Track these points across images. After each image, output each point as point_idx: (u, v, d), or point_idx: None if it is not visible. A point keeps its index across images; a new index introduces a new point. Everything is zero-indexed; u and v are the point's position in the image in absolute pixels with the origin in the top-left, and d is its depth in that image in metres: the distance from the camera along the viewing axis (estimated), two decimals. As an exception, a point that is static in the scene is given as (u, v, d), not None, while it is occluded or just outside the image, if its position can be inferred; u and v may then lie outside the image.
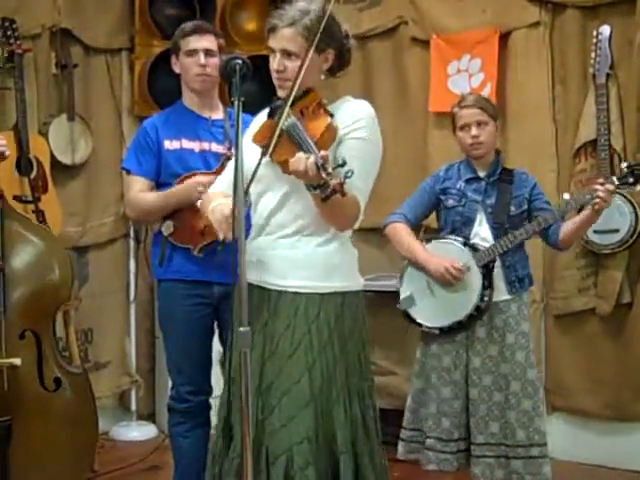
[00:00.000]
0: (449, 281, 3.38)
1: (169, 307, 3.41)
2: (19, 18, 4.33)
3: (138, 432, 4.91)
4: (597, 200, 3.20)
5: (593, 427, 4.38)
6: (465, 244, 3.42)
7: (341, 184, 2.25)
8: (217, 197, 2.67)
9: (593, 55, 4.11)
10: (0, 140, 3.24)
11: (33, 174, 4.26)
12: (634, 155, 4.13)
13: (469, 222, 3.45)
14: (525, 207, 3.43)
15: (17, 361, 3.19)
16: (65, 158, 4.62)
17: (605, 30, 4.09)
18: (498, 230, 3.40)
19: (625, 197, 4.04)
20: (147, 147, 3.40)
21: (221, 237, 2.51)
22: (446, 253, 3.42)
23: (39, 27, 4.50)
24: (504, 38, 4.49)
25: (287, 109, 2.47)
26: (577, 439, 4.42)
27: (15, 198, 4.15)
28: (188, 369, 3.38)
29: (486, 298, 3.38)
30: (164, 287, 3.42)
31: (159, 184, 3.40)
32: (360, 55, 4.89)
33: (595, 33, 4.11)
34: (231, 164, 2.84)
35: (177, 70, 3.44)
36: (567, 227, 3.38)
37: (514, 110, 4.46)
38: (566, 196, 3.37)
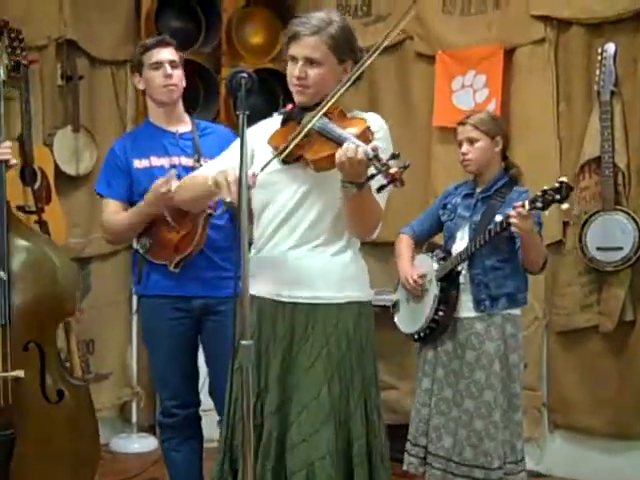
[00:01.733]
0: (410, 291, 3.53)
1: (152, 323, 3.42)
2: (25, 29, 4.33)
3: (138, 444, 4.89)
4: (512, 227, 3.18)
5: (595, 445, 4.35)
6: (444, 258, 3.48)
7: (401, 172, 2.25)
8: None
9: (598, 72, 4.11)
10: (5, 148, 3.24)
11: (37, 184, 4.27)
12: (638, 172, 4.13)
13: (452, 237, 3.50)
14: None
15: (20, 373, 3.18)
16: (69, 169, 4.63)
17: (610, 48, 4.09)
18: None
19: (629, 214, 4.04)
20: (117, 169, 3.40)
21: (228, 199, 2.45)
22: (419, 265, 3.56)
23: (45, 38, 4.53)
24: (509, 54, 4.49)
25: (323, 110, 2.48)
26: (578, 457, 4.40)
27: (19, 208, 4.13)
28: (174, 383, 3.39)
29: (441, 313, 3.41)
30: (145, 303, 3.44)
31: (132, 204, 3.37)
32: (365, 69, 4.89)
33: (600, 50, 4.12)
34: (216, 159, 2.84)
35: (141, 87, 3.44)
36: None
37: (518, 126, 4.46)
38: (498, 218, 3.30)
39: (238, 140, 2.58)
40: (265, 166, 2.55)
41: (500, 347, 3.40)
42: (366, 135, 2.44)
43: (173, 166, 3.33)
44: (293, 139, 2.49)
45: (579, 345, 4.36)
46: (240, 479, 2.54)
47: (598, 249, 4.11)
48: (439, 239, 3.72)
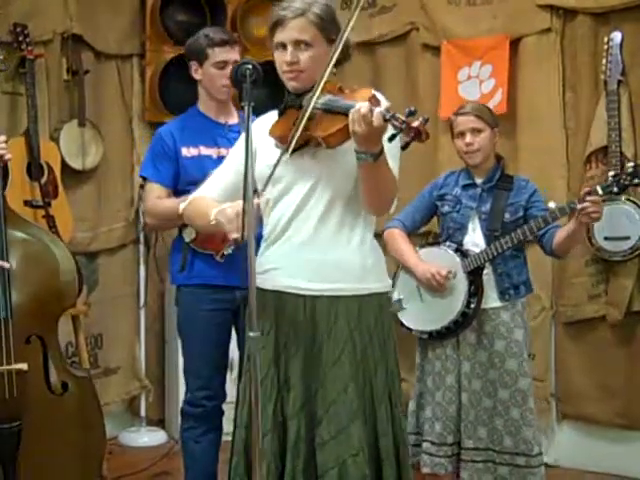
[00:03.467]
0: (435, 287, 3.41)
1: (190, 312, 3.42)
2: (31, 24, 4.34)
3: (148, 438, 4.90)
4: (583, 213, 3.14)
5: (602, 435, 4.35)
6: (457, 250, 3.44)
7: (424, 124, 2.17)
8: (212, 203, 2.57)
9: (604, 61, 4.10)
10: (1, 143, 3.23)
11: (44, 179, 4.27)
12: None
13: (462, 228, 3.47)
14: (521, 214, 3.41)
15: (24, 366, 3.17)
16: (76, 163, 4.62)
17: (616, 36, 4.08)
18: (490, 237, 3.39)
19: (637, 204, 4.02)
20: (164, 154, 3.41)
21: (235, 236, 2.38)
22: (436, 259, 3.46)
23: (51, 33, 4.51)
24: (515, 44, 4.48)
25: (320, 86, 2.40)
26: (586, 447, 4.40)
27: (26, 203, 4.15)
28: (206, 374, 3.39)
29: (472, 305, 3.38)
30: (185, 293, 3.43)
31: (177, 191, 3.40)
32: (370, 61, 4.90)
33: (606, 39, 4.10)
34: (219, 169, 2.79)
35: (197, 77, 3.45)
36: (559, 236, 3.33)
37: (525, 116, 4.45)
38: (552, 205, 3.33)
39: (241, 141, 2.60)
40: (277, 163, 2.47)
41: (524, 334, 3.43)
42: (375, 102, 2.33)
43: (221, 157, 3.30)
44: (299, 123, 2.42)
45: (587, 335, 4.36)
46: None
47: (606, 239, 4.11)
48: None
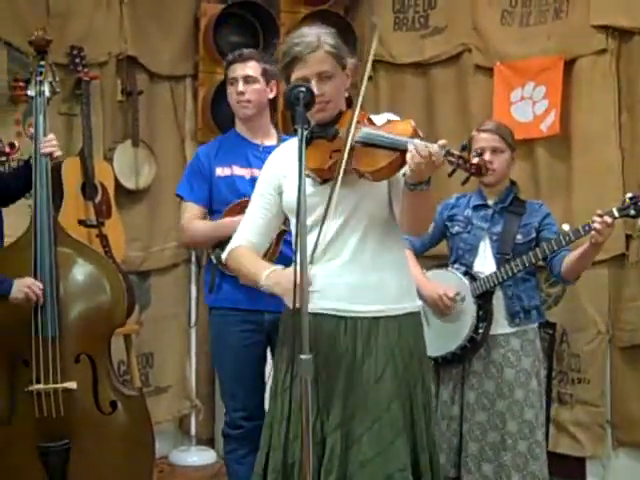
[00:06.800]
0: (441, 309, 3.34)
1: (221, 334, 3.43)
2: (87, 46, 4.42)
3: (197, 457, 4.91)
4: (593, 233, 3.08)
5: (660, 463, 4.27)
6: (466, 273, 3.37)
7: (484, 160, 2.26)
8: (256, 262, 2.65)
9: (661, 82, 4.04)
10: (50, 141, 3.28)
11: (98, 199, 4.32)
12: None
13: (473, 250, 3.41)
14: (533, 236, 3.36)
15: (73, 385, 3.20)
16: (129, 183, 4.67)
17: (673, 57, 4.02)
18: (501, 260, 3.33)
19: (692, 228, 3.95)
20: (199, 174, 3.46)
21: (291, 306, 2.38)
22: (444, 281, 3.39)
23: (106, 55, 4.58)
24: (569, 65, 4.43)
25: (355, 120, 2.44)
26: (643, 475, 4.31)
27: (80, 222, 4.21)
28: (241, 395, 3.40)
29: (481, 330, 3.31)
30: (215, 314, 3.46)
31: (212, 211, 3.44)
32: (423, 82, 4.88)
33: (663, 60, 4.05)
34: (250, 209, 2.77)
35: (229, 100, 3.51)
36: (569, 260, 3.26)
37: (579, 138, 4.39)
38: (565, 227, 3.27)
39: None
40: (329, 201, 2.46)
41: (535, 363, 3.35)
42: (418, 134, 2.37)
43: (253, 178, 3.32)
44: (341, 160, 2.44)
45: (644, 361, 4.28)
46: None
47: (662, 262, 4.03)
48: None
